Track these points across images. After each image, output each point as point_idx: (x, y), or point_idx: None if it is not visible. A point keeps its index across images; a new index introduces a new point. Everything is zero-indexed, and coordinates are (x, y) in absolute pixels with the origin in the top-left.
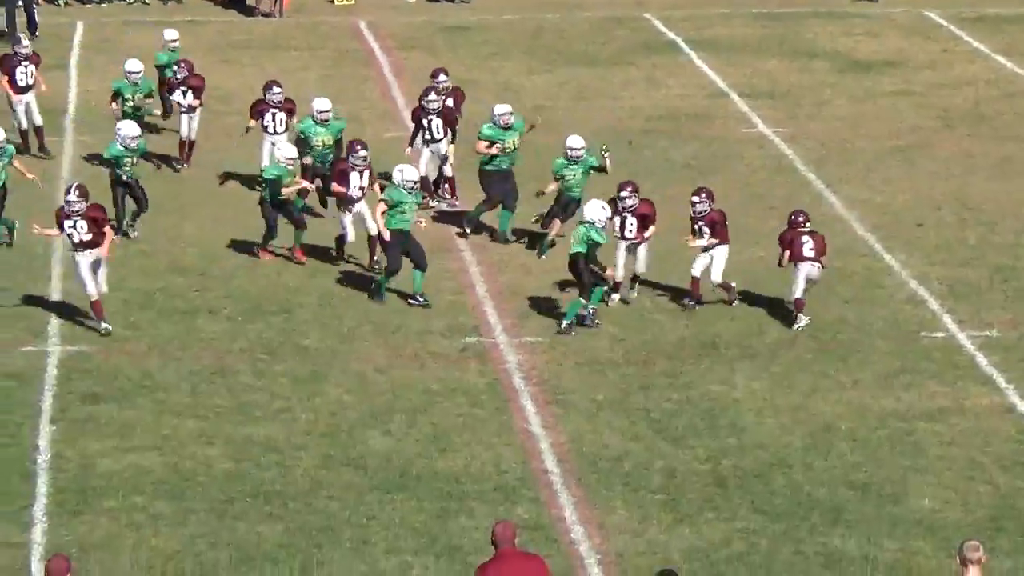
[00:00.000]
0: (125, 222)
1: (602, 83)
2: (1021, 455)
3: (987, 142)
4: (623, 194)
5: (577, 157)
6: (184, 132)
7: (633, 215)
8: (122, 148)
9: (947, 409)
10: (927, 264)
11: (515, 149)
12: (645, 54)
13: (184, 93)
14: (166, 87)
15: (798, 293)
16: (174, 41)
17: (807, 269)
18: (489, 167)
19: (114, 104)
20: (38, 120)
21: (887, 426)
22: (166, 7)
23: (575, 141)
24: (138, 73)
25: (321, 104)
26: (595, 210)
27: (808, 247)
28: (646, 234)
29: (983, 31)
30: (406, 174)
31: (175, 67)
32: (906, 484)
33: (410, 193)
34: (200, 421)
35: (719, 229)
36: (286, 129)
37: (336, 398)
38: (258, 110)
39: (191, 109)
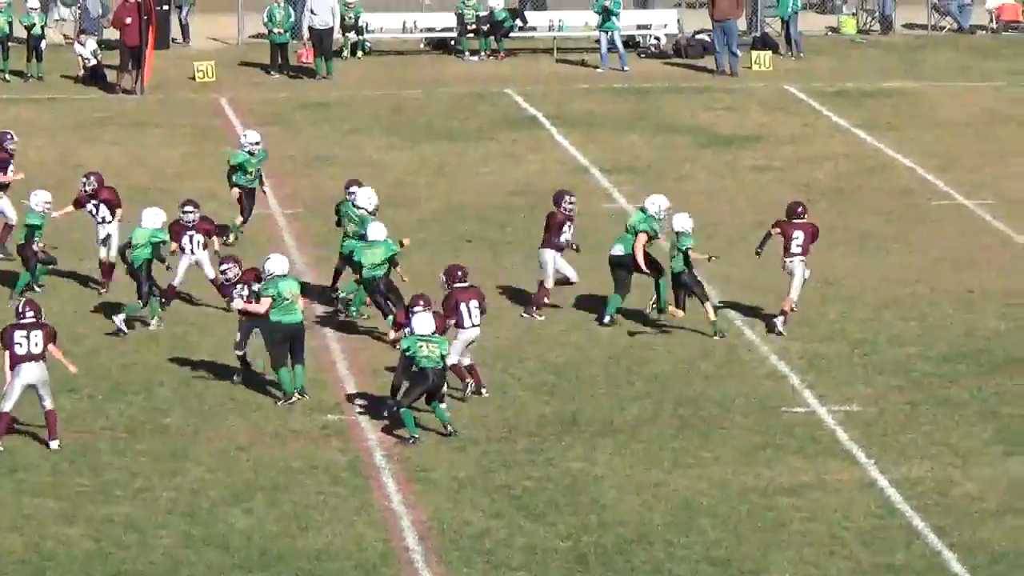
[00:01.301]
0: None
1: (462, 158)
2: (882, 530)
3: (848, 216)
4: None
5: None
6: (103, 252)
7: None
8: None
9: (808, 484)
10: (788, 339)
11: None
12: (505, 129)
13: (97, 207)
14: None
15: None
16: None
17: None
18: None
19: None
20: None
21: (748, 501)
22: (26, 84)
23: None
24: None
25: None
26: (684, 220)
27: (797, 243)
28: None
29: (843, 106)
30: (272, 264)
31: (83, 180)
32: (767, 560)
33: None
34: (61, 501)
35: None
36: (204, 248)
37: (197, 476)
38: (175, 231)
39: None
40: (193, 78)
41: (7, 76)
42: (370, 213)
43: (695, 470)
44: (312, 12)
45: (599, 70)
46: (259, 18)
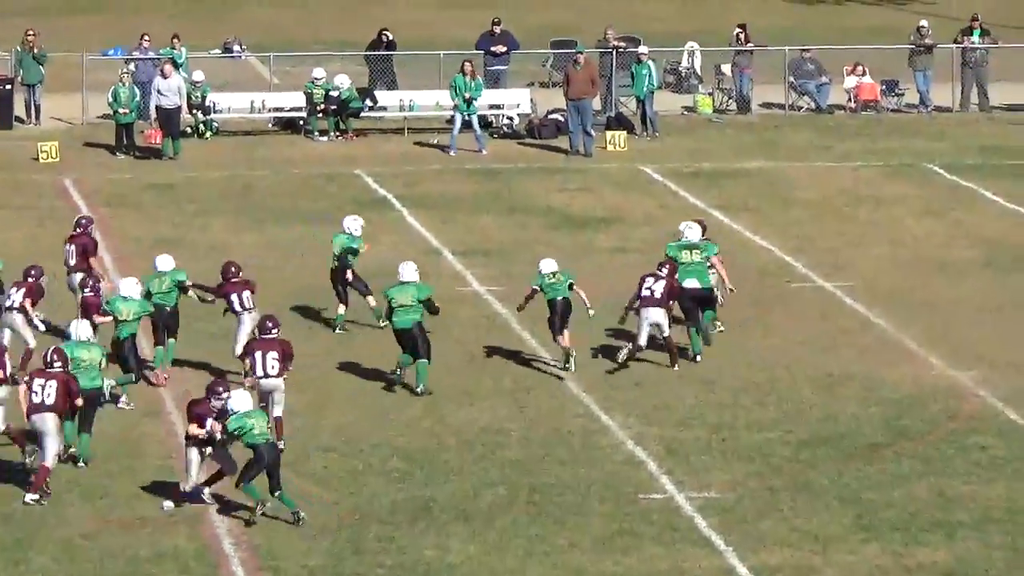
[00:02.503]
0: None
1: (311, 241)
2: None
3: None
4: None
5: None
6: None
7: None
8: None
9: (666, 572)
10: (645, 424)
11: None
12: (356, 211)
13: None
14: None
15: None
16: None
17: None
18: None
19: None
20: None
21: None
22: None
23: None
24: None
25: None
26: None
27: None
28: None
29: (699, 186)
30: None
31: None
32: None
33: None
34: None
35: None
36: (253, 306)
37: (41, 566)
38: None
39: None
40: (36, 159)
41: None
42: None
43: (551, 557)
44: (159, 92)
45: (452, 153)
46: (104, 98)
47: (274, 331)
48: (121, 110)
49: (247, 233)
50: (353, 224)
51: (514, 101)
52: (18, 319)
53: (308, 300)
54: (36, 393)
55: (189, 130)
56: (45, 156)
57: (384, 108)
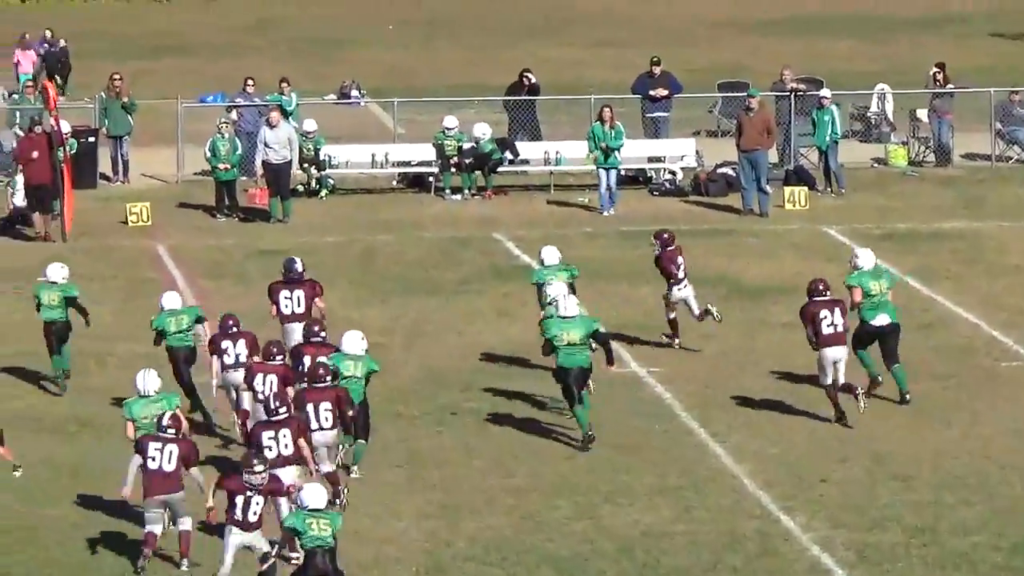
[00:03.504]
0: None
1: (444, 315)
2: None
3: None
4: None
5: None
6: None
7: None
8: None
9: None
10: (831, 526)
11: None
12: (494, 281)
13: None
14: None
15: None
16: None
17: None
18: None
19: None
20: None
21: None
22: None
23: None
24: None
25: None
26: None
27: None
28: None
29: (892, 251)
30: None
31: None
32: None
33: None
34: None
35: None
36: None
37: None
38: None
39: None
40: (125, 222)
41: None
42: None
43: None
44: (266, 144)
45: (604, 213)
46: (201, 151)
47: (327, 379)
48: (221, 166)
49: (368, 307)
50: None
51: (677, 153)
52: (240, 377)
53: (440, 385)
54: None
55: (301, 188)
56: (135, 219)
57: (526, 161)
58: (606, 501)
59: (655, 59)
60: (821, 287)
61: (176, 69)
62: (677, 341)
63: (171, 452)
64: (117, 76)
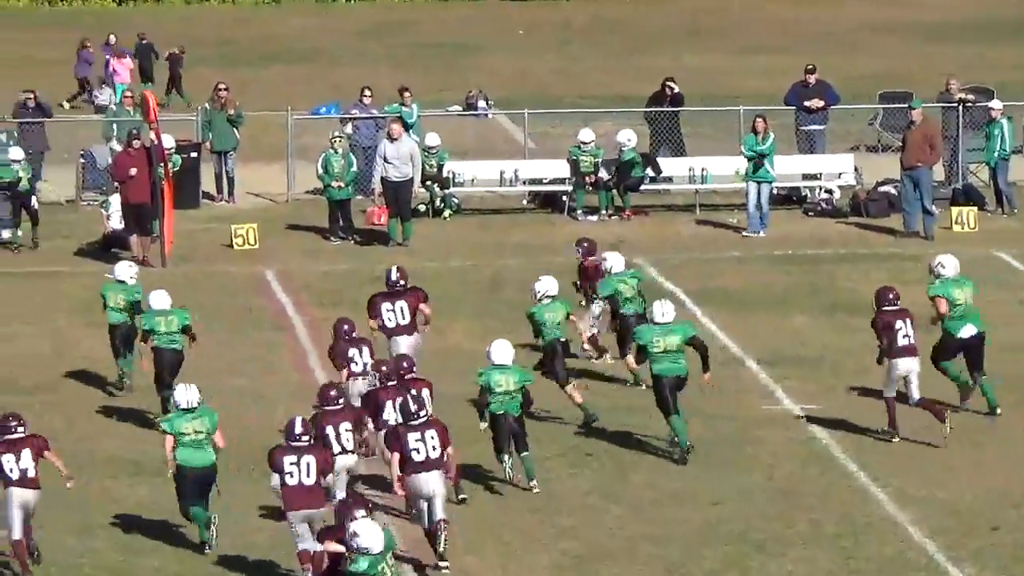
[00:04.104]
0: None
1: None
2: None
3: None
4: None
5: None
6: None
7: None
8: None
9: None
10: None
11: None
12: None
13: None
14: None
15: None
16: None
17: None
18: None
19: None
20: None
21: None
22: (16, 256)
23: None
24: None
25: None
26: None
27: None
28: None
29: None
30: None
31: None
32: None
33: None
34: None
35: None
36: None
37: None
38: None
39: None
40: (230, 245)
41: None
42: None
43: None
44: (385, 160)
45: (754, 235)
46: (313, 168)
47: (341, 400)
48: (335, 183)
49: (495, 339)
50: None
51: (834, 169)
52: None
53: (574, 423)
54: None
55: (423, 208)
56: (241, 242)
57: (669, 179)
58: (757, 551)
59: (810, 67)
60: (892, 296)
61: (286, 78)
62: (608, 356)
63: (308, 464)
64: (222, 86)
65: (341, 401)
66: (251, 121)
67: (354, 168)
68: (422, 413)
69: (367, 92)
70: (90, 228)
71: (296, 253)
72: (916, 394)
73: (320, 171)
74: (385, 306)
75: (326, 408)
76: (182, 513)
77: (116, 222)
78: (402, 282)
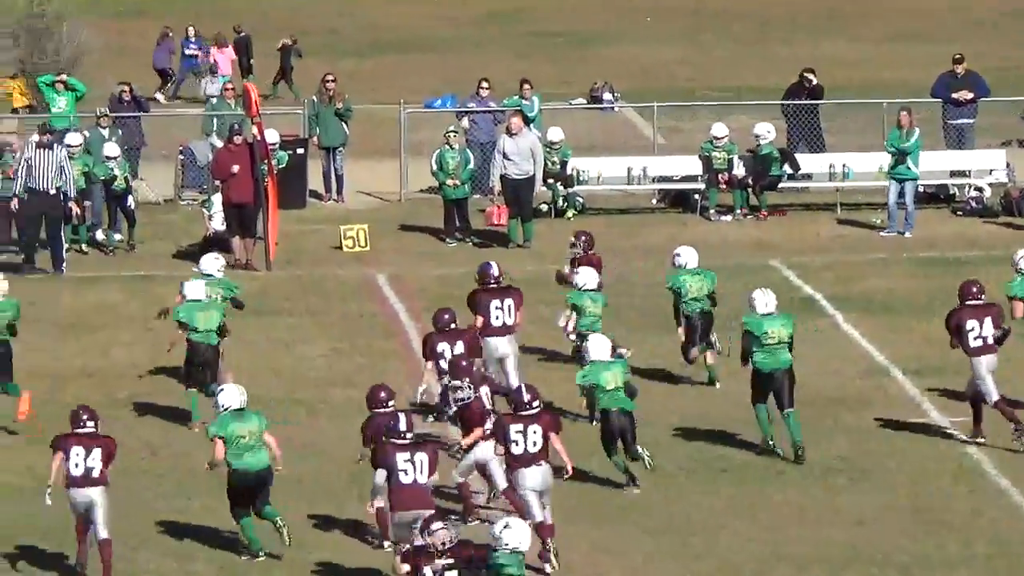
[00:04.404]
0: None
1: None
2: None
3: None
4: None
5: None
6: None
7: None
8: None
9: None
10: None
11: None
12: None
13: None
14: None
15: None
16: None
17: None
18: None
19: None
20: None
21: None
22: (110, 258)
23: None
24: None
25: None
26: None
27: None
28: None
29: None
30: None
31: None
32: None
33: None
34: None
35: None
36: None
37: None
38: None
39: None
40: (339, 247)
41: (83, 246)
42: None
43: None
44: (505, 156)
45: (896, 235)
46: (427, 164)
47: (392, 403)
48: (450, 181)
49: (623, 345)
50: None
51: (984, 166)
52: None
53: (705, 436)
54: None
55: (544, 207)
56: (350, 244)
57: (808, 176)
58: (902, 573)
59: (958, 56)
60: (975, 290)
61: (398, 69)
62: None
63: (422, 461)
64: (330, 78)
65: (392, 404)
66: (361, 115)
67: (471, 165)
68: (535, 404)
69: (484, 84)
70: (189, 230)
71: (409, 256)
72: (994, 395)
73: (434, 168)
74: (494, 303)
75: (375, 411)
76: (236, 520)
77: (218, 223)
78: (501, 278)
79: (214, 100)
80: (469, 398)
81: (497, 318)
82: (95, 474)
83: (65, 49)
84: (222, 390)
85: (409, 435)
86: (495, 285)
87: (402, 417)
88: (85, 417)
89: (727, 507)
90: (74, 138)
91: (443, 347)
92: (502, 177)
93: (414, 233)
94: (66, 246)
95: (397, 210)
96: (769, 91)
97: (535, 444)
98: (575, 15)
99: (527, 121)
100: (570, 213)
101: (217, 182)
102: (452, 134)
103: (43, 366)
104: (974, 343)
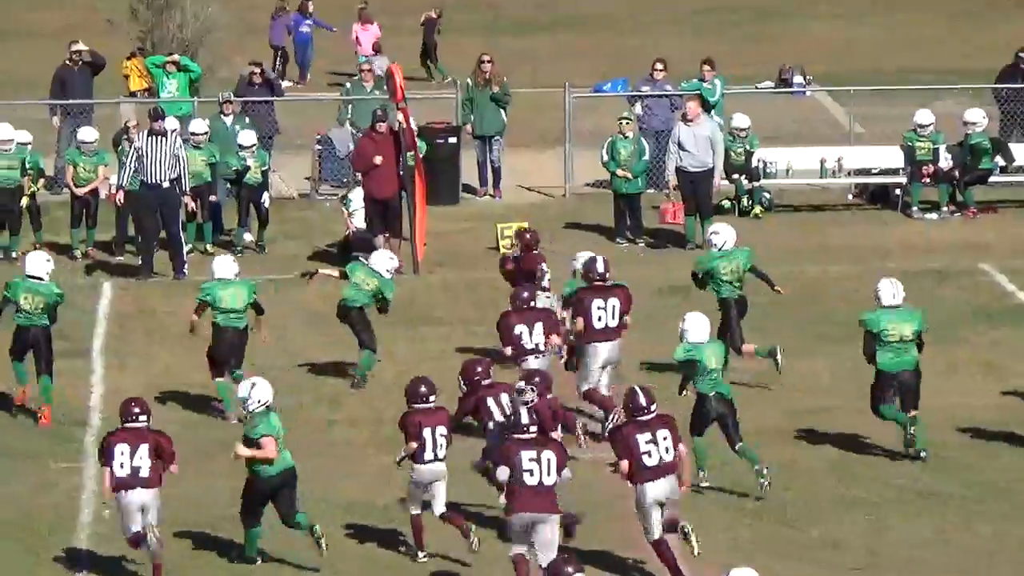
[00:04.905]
0: None
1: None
2: None
3: None
4: None
5: None
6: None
7: None
8: None
9: None
10: None
11: None
12: (980, 326)
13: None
14: None
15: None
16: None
17: None
18: None
19: None
20: None
21: None
22: (240, 260)
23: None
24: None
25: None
26: None
27: None
28: None
29: None
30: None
31: None
32: None
33: None
34: None
35: None
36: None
37: None
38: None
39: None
40: (496, 248)
41: (209, 246)
42: None
43: None
44: (681, 147)
45: None
46: (596, 155)
47: (433, 397)
48: (620, 172)
49: (815, 357)
50: None
51: None
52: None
53: (910, 460)
54: None
55: (727, 204)
56: (508, 244)
57: (1022, 168)
58: None
59: None
60: None
61: (563, 49)
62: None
63: (549, 460)
64: (486, 58)
65: (433, 399)
66: (520, 100)
67: (646, 157)
68: (653, 408)
69: (659, 66)
70: (328, 228)
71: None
72: None
73: (604, 157)
74: (596, 303)
75: (415, 407)
76: (246, 526)
77: (359, 221)
78: (609, 275)
79: (347, 84)
80: (533, 400)
81: (600, 319)
82: (144, 473)
83: (188, 26)
84: (246, 380)
85: (533, 429)
86: (600, 283)
87: (524, 411)
88: (137, 411)
89: (930, 539)
90: (198, 125)
91: (521, 329)
92: (677, 170)
93: (580, 232)
94: (188, 247)
95: (560, 206)
96: (979, 74)
97: (667, 451)
98: None
99: (707, 107)
100: (756, 210)
101: (358, 174)
102: (625, 121)
103: (156, 377)
104: None
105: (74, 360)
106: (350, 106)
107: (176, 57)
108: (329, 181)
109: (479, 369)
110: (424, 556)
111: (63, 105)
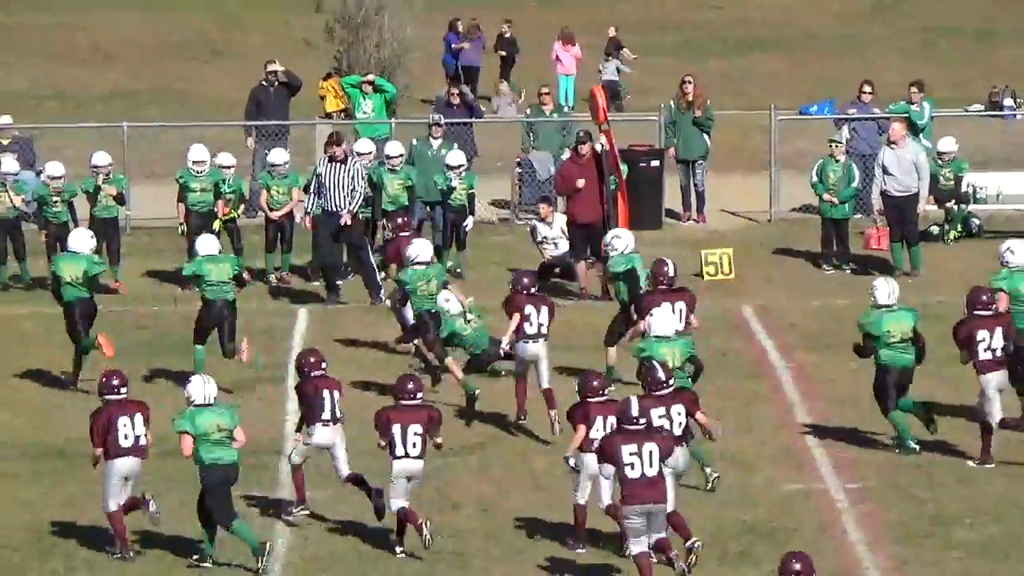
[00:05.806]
0: None
1: None
2: None
3: None
4: None
5: None
6: None
7: None
8: None
9: None
10: None
11: None
12: None
13: None
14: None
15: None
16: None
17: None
18: None
19: None
20: None
21: None
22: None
23: None
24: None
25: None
26: None
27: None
28: None
29: None
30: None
31: None
32: None
33: None
34: None
35: None
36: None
37: None
38: None
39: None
40: (700, 275)
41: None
42: None
43: None
44: (885, 170)
45: None
46: (801, 180)
47: (420, 395)
48: (827, 196)
49: None
50: None
51: None
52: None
53: None
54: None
55: (935, 230)
56: (713, 271)
57: None
58: None
59: None
60: (984, 299)
61: (767, 69)
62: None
63: (651, 452)
64: (688, 79)
65: (420, 396)
66: (725, 123)
67: (855, 184)
68: (642, 421)
69: (867, 88)
70: (527, 252)
71: (781, 284)
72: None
73: (814, 179)
74: (663, 306)
75: (400, 403)
76: (224, 524)
77: (551, 251)
78: (675, 278)
79: (528, 110)
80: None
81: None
82: (142, 442)
83: (385, 46)
84: (190, 382)
85: (643, 421)
86: (667, 287)
87: (634, 402)
88: (116, 382)
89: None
90: (394, 148)
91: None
92: (883, 193)
93: (786, 258)
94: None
95: (766, 232)
96: None
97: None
98: (972, 9)
99: (915, 130)
100: (952, 235)
101: (559, 198)
102: (835, 144)
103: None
104: (984, 355)
105: (266, 387)
106: (530, 131)
107: (372, 77)
108: (529, 205)
109: (311, 360)
110: (402, 552)
111: (258, 126)
